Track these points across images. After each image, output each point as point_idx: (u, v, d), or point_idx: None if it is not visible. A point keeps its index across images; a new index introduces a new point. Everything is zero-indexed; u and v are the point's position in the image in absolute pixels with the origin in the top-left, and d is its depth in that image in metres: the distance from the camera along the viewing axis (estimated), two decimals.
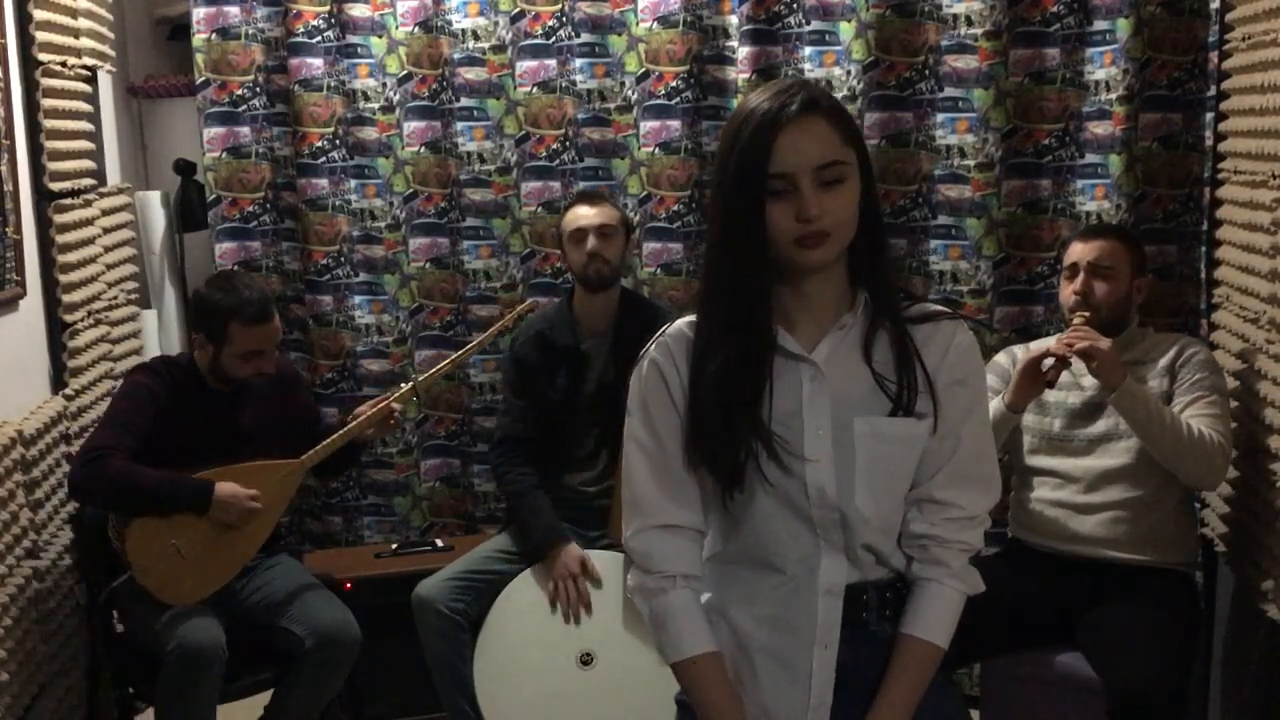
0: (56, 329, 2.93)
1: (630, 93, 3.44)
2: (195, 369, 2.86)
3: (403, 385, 3.02)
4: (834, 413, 1.59)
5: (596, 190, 3.32)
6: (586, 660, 2.89)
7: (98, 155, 3.25)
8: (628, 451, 1.68)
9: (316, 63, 3.50)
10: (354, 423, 2.88)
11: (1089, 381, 2.66)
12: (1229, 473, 2.61)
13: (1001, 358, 2.87)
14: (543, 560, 2.91)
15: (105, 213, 3.23)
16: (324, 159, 3.54)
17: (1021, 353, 2.84)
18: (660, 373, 1.64)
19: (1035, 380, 2.64)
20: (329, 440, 2.85)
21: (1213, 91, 3.07)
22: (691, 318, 1.64)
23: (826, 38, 3.34)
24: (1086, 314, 2.67)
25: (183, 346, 3.60)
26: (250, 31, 3.50)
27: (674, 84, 3.39)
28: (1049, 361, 2.62)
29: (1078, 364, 2.63)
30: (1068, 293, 2.74)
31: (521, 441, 3.09)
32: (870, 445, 1.59)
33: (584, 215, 3.02)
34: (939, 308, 1.67)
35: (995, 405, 2.68)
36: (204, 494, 2.70)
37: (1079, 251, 2.74)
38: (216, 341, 2.79)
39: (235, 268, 3.56)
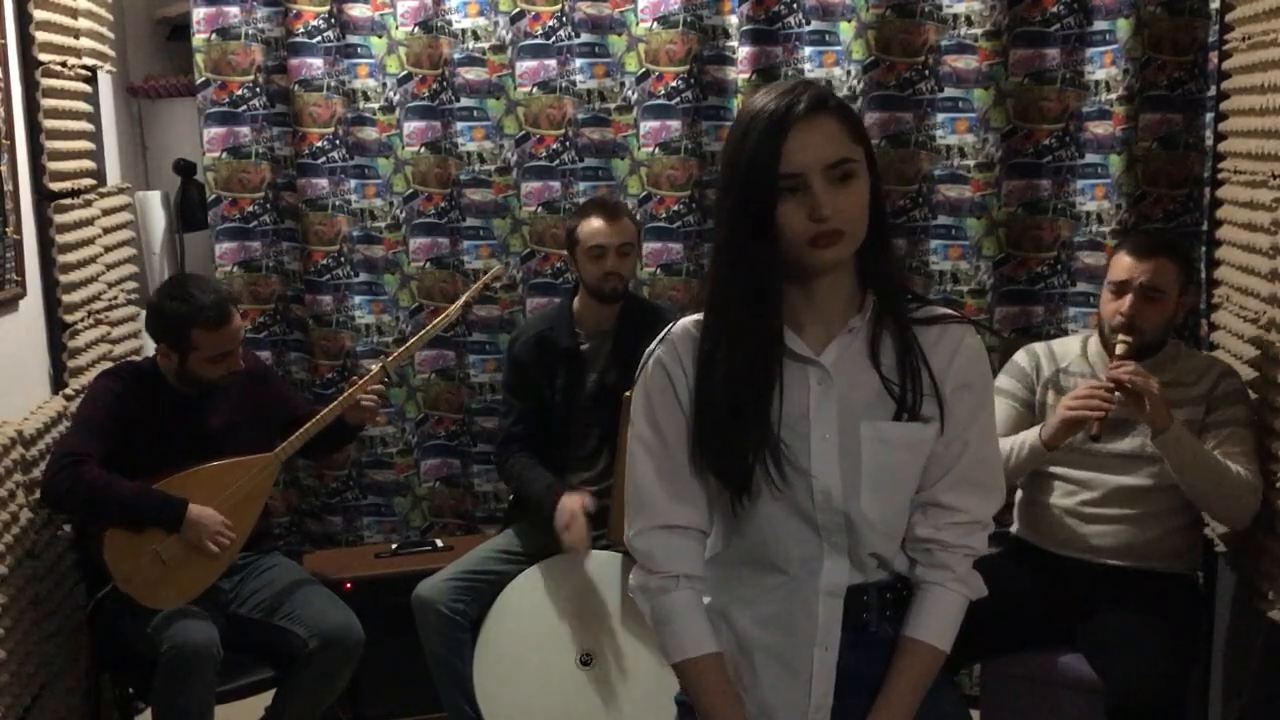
0: (56, 329, 2.93)
1: (630, 93, 3.44)
2: (160, 374, 2.85)
3: (372, 368, 3.01)
4: (841, 416, 1.58)
5: (615, 202, 3.27)
6: (586, 660, 2.89)
7: (98, 155, 3.25)
8: (632, 451, 1.67)
9: (316, 63, 3.49)
10: (324, 410, 2.88)
11: (1117, 395, 2.55)
12: None
13: (1022, 358, 2.77)
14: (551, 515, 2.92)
15: (105, 213, 3.23)
16: (324, 159, 3.54)
17: (1044, 356, 2.75)
18: (666, 372, 1.63)
19: (1077, 428, 2.52)
20: (302, 430, 2.85)
21: (1213, 91, 3.07)
22: (696, 317, 1.63)
23: (826, 38, 3.34)
24: (1130, 339, 2.56)
25: None
26: (250, 31, 3.49)
27: (674, 84, 3.39)
28: (1094, 414, 2.48)
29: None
30: (1112, 310, 2.60)
31: (523, 442, 3.10)
32: (876, 449, 1.58)
33: (604, 232, 2.98)
34: (947, 311, 1.66)
35: (1031, 439, 2.58)
36: (177, 511, 2.69)
37: (1129, 269, 2.58)
38: (181, 350, 2.76)
39: (235, 268, 3.57)
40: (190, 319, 2.72)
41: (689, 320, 1.65)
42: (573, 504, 2.91)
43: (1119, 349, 2.57)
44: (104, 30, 3.28)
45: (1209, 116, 3.13)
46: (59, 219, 2.91)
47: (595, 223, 3.00)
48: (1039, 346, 2.81)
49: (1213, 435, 2.53)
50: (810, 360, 1.59)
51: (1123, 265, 2.61)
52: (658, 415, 1.64)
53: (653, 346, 1.66)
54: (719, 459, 1.59)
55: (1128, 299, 2.58)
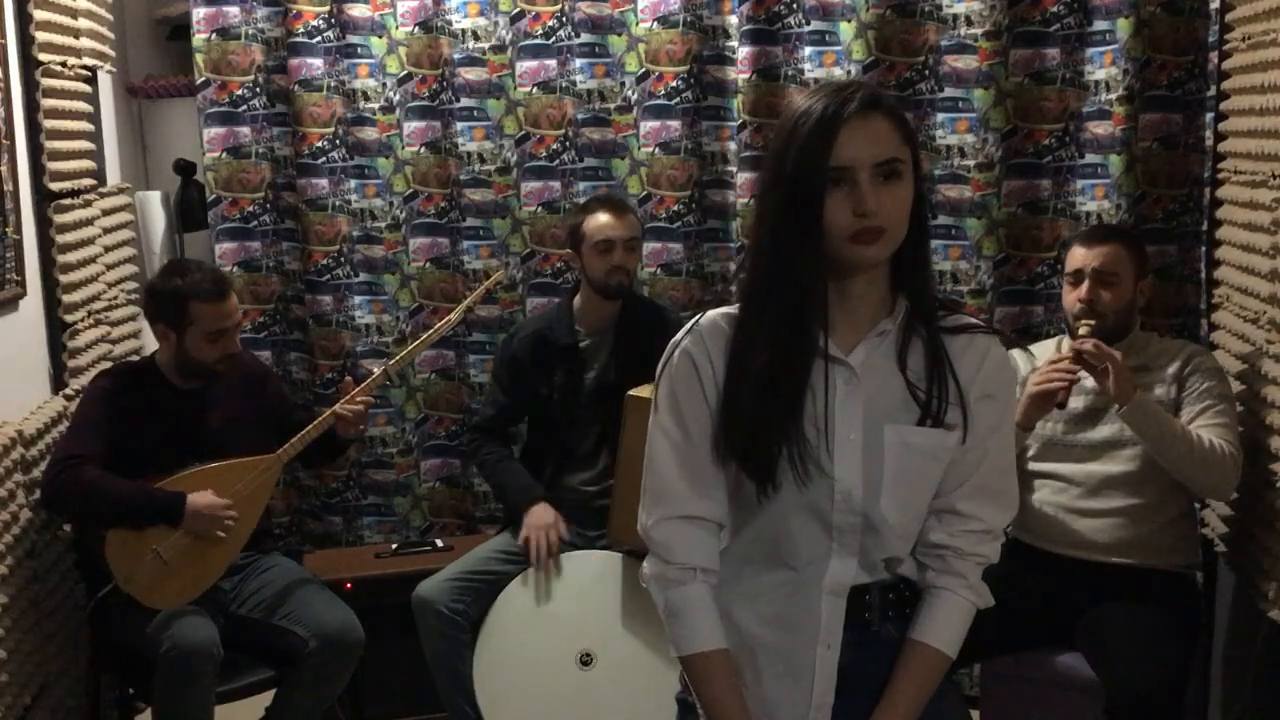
0: (56, 329, 2.93)
1: (630, 93, 3.44)
2: (158, 371, 2.85)
3: (373, 369, 3.01)
4: (865, 418, 1.58)
5: (620, 198, 3.29)
6: (586, 660, 2.89)
7: (98, 155, 3.25)
8: (653, 440, 1.66)
9: (316, 63, 3.49)
10: (327, 412, 2.88)
11: (1090, 384, 2.63)
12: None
13: None
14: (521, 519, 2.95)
15: (105, 213, 3.23)
16: (324, 159, 3.54)
17: (1023, 358, 2.81)
18: (693, 363, 1.62)
19: (1046, 403, 2.59)
20: (304, 432, 2.85)
21: (1213, 91, 3.07)
22: (725, 310, 1.63)
23: (826, 38, 3.34)
24: (1092, 322, 2.65)
25: None
26: (250, 31, 3.49)
27: (674, 84, 3.39)
28: (1058, 384, 2.57)
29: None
30: (1072, 299, 2.71)
31: (491, 435, 3.14)
32: (899, 453, 1.58)
33: (611, 226, 2.99)
34: (975, 320, 1.67)
35: None
36: (176, 507, 2.69)
37: (1082, 258, 2.70)
38: (179, 327, 2.77)
39: (235, 268, 3.57)
40: (188, 292, 2.74)
41: (717, 313, 1.64)
42: (547, 515, 2.92)
43: (1082, 331, 2.65)
44: (104, 30, 3.28)
45: (1209, 116, 3.13)
46: (59, 219, 2.91)
47: (602, 217, 3.01)
48: (1016, 351, 2.87)
49: (1187, 411, 2.59)
50: (839, 360, 1.59)
51: (1076, 256, 2.73)
52: (682, 406, 1.63)
53: (679, 337, 1.65)
54: (745, 450, 1.58)
55: (1084, 286, 2.68)
